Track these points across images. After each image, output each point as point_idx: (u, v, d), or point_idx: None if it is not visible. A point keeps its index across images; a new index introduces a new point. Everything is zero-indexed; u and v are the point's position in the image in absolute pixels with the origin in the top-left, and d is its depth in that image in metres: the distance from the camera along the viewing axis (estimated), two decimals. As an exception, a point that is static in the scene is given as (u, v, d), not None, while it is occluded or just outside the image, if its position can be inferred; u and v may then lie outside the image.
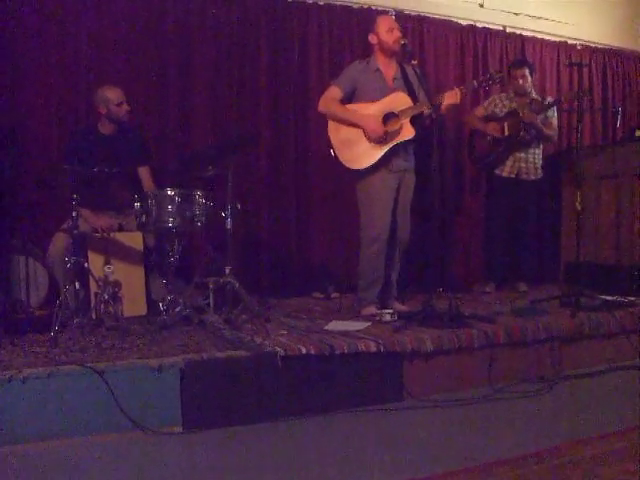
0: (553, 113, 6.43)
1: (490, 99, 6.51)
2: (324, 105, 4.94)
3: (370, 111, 4.81)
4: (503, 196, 6.40)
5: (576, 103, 5.46)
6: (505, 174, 6.35)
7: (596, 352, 4.75)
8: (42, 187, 4.70)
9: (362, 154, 4.82)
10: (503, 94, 6.48)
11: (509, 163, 6.32)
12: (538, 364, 4.48)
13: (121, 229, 4.94)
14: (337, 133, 4.87)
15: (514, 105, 6.23)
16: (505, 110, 6.31)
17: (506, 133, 6.19)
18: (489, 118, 6.38)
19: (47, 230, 5.10)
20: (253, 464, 3.08)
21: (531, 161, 6.36)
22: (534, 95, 6.38)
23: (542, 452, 3.08)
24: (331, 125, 4.91)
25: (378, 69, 4.93)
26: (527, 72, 6.31)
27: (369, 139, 4.79)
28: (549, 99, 6.42)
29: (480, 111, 6.49)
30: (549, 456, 3.03)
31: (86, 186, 4.30)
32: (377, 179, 4.86)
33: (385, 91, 4.88)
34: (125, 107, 5.04)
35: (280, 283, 6.28)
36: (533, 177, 6.40)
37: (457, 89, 4.79)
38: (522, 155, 6.31)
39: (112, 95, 4.99)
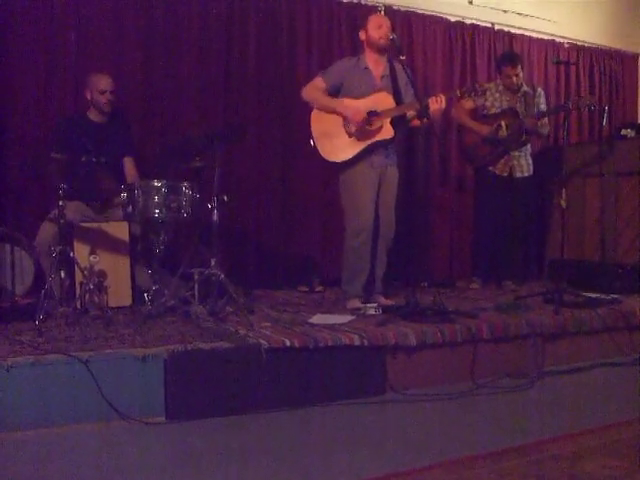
0: (545, 106, 6.35)
1: None
2: (307, 92, 4.99)
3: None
4: (495, 194, 6.24)
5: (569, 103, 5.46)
6: (498, 172, 6.21)
7: (578, 349, 4.78)
8: (29, 175, 4.68)
9: (340, 147, 4.85)
10: (492, 85, 6.26)
11: (502, 161, 6.19)
12: (521, 360, 4.50)
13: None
14: (318, 124, 4.90)
15: (518, 105, 6.11)
16: (498, 105, 6.20)
17: (504, 133, 6.06)
18: (478, 111, 6.29)
19: (34, 218, 5.09)
20: (235, 455, 3.08)
21: (523, 157, 6.28)
22: (525, 88, 6.27)
23: (523, 447, 3.11)
24: (314, 116, 4.94)
25: (367, 67, 4.95)
26: (520, 69, 6.19)
27: (348, 128, 4.82)
28: (539, 90, 6.36)
29: (468, 103, 6.24)
30: (530, 451, 3.06)
31: (73, 175, 4.29)
32: (358, 173, 4.88)
33: (372, 89, 4.89)
34: (107, 96, 5.06)
35: (265, 275, 6.29)
36: (526, 174, 6.30)
37: (441, 95, 4.74)
38: (515, 153, 6.20)
39: (97, 81, 5.05)
